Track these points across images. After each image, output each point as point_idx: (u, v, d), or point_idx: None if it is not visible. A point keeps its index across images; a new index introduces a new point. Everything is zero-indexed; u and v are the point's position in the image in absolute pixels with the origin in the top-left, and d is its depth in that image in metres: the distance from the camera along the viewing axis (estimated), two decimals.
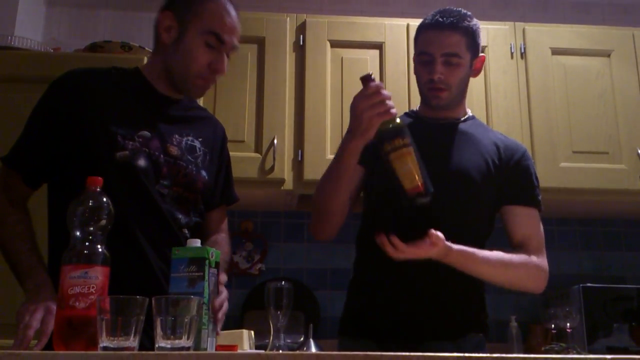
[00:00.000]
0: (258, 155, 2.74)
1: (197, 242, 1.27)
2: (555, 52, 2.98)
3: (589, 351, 2.64)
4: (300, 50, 2.90)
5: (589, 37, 3.02)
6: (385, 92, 1.46)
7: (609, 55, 3.00)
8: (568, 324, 2.59)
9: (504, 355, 0.86)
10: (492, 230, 1.73)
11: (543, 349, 2.70)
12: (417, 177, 1.42)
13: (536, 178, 1.74)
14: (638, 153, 2.86)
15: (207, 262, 1.22)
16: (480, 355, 0.87)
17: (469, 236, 1.61)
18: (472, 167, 1.65)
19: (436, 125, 1.72)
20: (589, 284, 2.81)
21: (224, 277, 1.41)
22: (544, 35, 3.01)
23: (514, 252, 1.64)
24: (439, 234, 1.46)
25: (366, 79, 1.49)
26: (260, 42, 2.89)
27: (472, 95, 2.86)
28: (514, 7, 3.51)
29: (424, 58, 1.67)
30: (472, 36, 1.68)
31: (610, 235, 3.23)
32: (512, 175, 1.69)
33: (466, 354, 0.89)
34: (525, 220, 1.68)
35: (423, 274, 1.61)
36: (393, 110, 1.45)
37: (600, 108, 2.93)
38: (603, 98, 2.94)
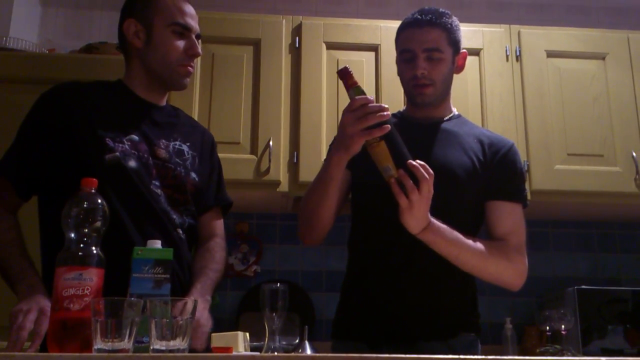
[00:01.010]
0: (253, 157, 2.73)
1: (157, 244, 1.25)
2: (551, 54, 2.99)
3: (583, 353, 2.65)
4: (295, 52, 2.90)
5: (584, 40, 3.03)
6: (372, 106, 1.44)
7: (604, 58, 3.01)
8: (563, 326, 2.60)
9: (498, 357, 0.86)
10: (479, 229, 1.71)
11: (538, 350, 2.70)
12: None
13: (522, 173, 1.73)
14: (632, 156, 2.87)
15: (171, 264, 1.21)
16: (475, 357, 0.87)
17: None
18: (456, 164, 1.64)
19: (419, 125, 1.72)
20: (583, 286, 2.82)
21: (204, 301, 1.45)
22: (539, 38, 3.02)
23: (495, 243, 1.62)
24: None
25: (341, 75, 1.47)
26: (256, 44, 2.89)
27: (467, 97, 2.87)
28: (509, 9, 3.52)
29: (406, 56, 1.69)
30: (451, 32, 1.70)
31: (605, 238, 3.24)
32: (497, 170, 1.67)
33: (461, 356, 0.89)
34: (508, 216, 1.66)
35: (413, 275, 1.61)
36: (385, 113, 1.44)
37: (595, 111, 2.94)
38: (598, 101, 2.95)
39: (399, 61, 1.74)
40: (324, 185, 1.60)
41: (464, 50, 1.77)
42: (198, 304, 1.41)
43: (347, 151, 1.49)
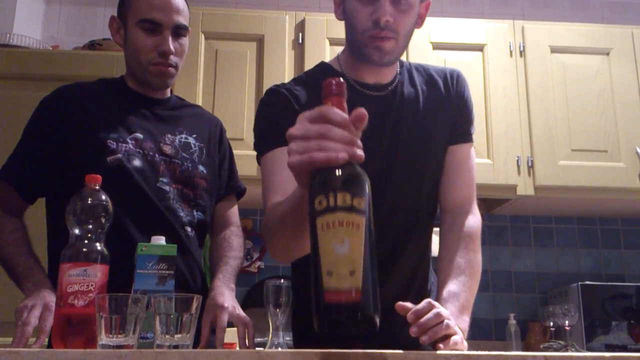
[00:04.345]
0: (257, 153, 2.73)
1: (161, 240, 1.25)
2: (555, 50, 2.99)
3: (587, 349, 2.65)
4: (299, 48, 2.90)
5: (588, 35, 3.02)
6: (333, 128, 0.81)
7: (608, 54, 3.00)
8: (567, 322, 2.60)
9: (502, 352, 0.86)
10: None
11: (542, 346, 2.71)
12: (355, 275, 0.74)
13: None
14: (637, 151, 2.86)
15: (176, 260, 1.22)
16: (479, 352, 0.87)
17: (432, 204, 1.45)
18: (432, 133, 1.42)
19: (378, 98, 1.37)
20: (587, 282, 2.82)
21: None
22: (543, 33, 3.01)
23: (457, 242, 1.39)
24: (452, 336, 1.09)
25: (326, 89, 0.85)
26: (260, 40, 2.89)
27: (471, 93, 2.86)
28: (513, 5, 3.52)
29: None
30: None
31: (609, 233, 3.24)
32: (460, 108, 1.47)
33: (465, 352, 0.89)
34: (467, 163, 1.46)
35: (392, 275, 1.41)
36: (338, 155, 0.78)
37: (599, 106, 2.93)
38: (602, 96, 2.95)
39: (352, 1, 1.32)
40: (298, 222, 1.00)
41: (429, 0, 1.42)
42: (224, 290, 1.45)
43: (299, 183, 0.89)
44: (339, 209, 0.75)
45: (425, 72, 1.49)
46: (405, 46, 1.38)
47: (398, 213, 1.39)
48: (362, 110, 0.83)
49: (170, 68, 1.55)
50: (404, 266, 1.43)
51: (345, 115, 0.83)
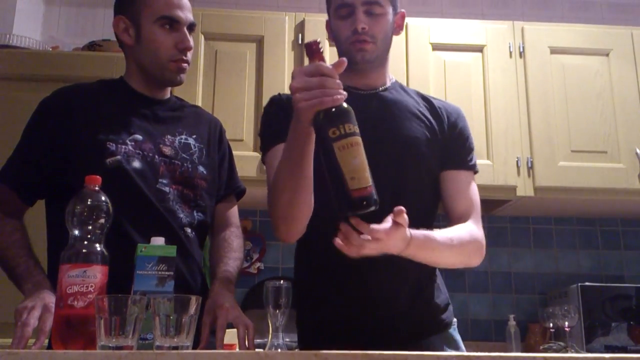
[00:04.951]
0: (257, 154, 2.73)
1: (160, 240, 1.25)
2: (554, 51, 2.99)
3: (587, 350, 2.65)
4: (299, 49, 2.90)
5: (587, 36, 3.03)
6: (328, 78, 1.14)
7: (607, 55, 3.01)
8: (566, 323, 2.60)
9: (502, 353, 0.86)
10: (439, 202, 1.58)
11: (541, 347, 2.70)
12: (367, 176, 1.11)
13: (472, 140, 1.63)
14: (636, 152, 2.86)
15: (175, 261, 1.22)
16: (479, 353, 0.88)
17: (422, 215, 1.46)
18: (416, 137, 1.52)
19: (361, 96, 1.54)
20: (587, 283, 2.82)
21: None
22: (543, 34, 3.01)
23: (459, 225, 1.48)
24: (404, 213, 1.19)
25: (309, 49, 1.18)
26: (259, 41, 2.90)
27: (470, 94, 2.87)
28: (512, 6, 3.52)
29: (343, 12, 1.53)
30: None
31: (608, 235, 3.24)
32: (455, 138, 1.57)
33: (465, 353, 0.89)
34: (467, 186, 1.54)
35: (372, 279, 1.46)
36: (337, 97, 1.13)
37: (598, 107, 2.94)
38: (602, 97, 2.95)
39: (335, 20, 1.57)
40: (295, 166, 1.28)
41: (403, 10, 1.62)
42: (224, 291, 1.44)
43: (299, 121, 1.20)
44: (348, 135, 1.10)
45: (425, 95, 1.65)
46: (385, 50, 1.57)
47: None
48: (342, 59, 1.19)
49: (186, 64, 1.59)
50: (394, 262, 1.40)
51: (331, 67, 1.15)
